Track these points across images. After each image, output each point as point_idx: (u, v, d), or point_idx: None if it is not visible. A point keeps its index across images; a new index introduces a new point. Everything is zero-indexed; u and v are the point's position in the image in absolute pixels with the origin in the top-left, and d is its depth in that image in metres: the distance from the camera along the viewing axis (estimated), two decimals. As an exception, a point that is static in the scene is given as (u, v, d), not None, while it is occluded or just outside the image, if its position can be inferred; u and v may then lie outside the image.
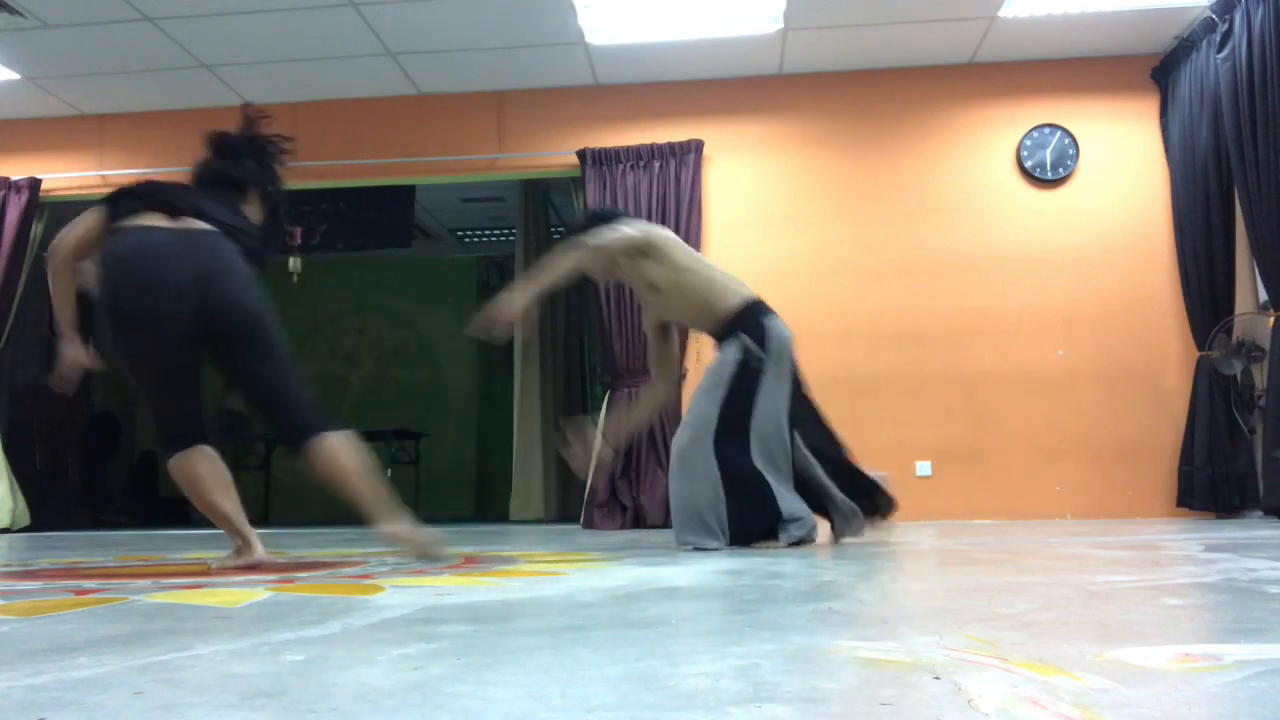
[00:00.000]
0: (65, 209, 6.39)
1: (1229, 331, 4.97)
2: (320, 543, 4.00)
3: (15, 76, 5.66)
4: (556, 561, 2.66)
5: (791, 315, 5.58)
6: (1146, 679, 0.92)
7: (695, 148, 5.63)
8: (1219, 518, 4.92)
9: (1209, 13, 4.91)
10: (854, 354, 5.50)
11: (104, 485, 8.35)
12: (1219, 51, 4.77)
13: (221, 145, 2.76)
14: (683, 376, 5.53)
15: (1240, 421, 4.92)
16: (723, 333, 3.36)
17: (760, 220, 5.67)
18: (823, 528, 3.33)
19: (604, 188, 5.65)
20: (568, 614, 1.50)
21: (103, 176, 6.15)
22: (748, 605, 1.58)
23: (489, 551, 3.18)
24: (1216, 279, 5.07)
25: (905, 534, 3.90)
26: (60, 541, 4.56)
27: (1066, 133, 5.54)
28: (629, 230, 3.27)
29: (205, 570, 2.50)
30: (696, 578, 2.14)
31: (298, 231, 6.31)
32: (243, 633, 1.32)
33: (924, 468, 5.36)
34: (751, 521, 3.04)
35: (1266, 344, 4.65)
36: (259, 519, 8.01)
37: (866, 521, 3.31)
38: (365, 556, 2.97)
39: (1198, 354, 5.12)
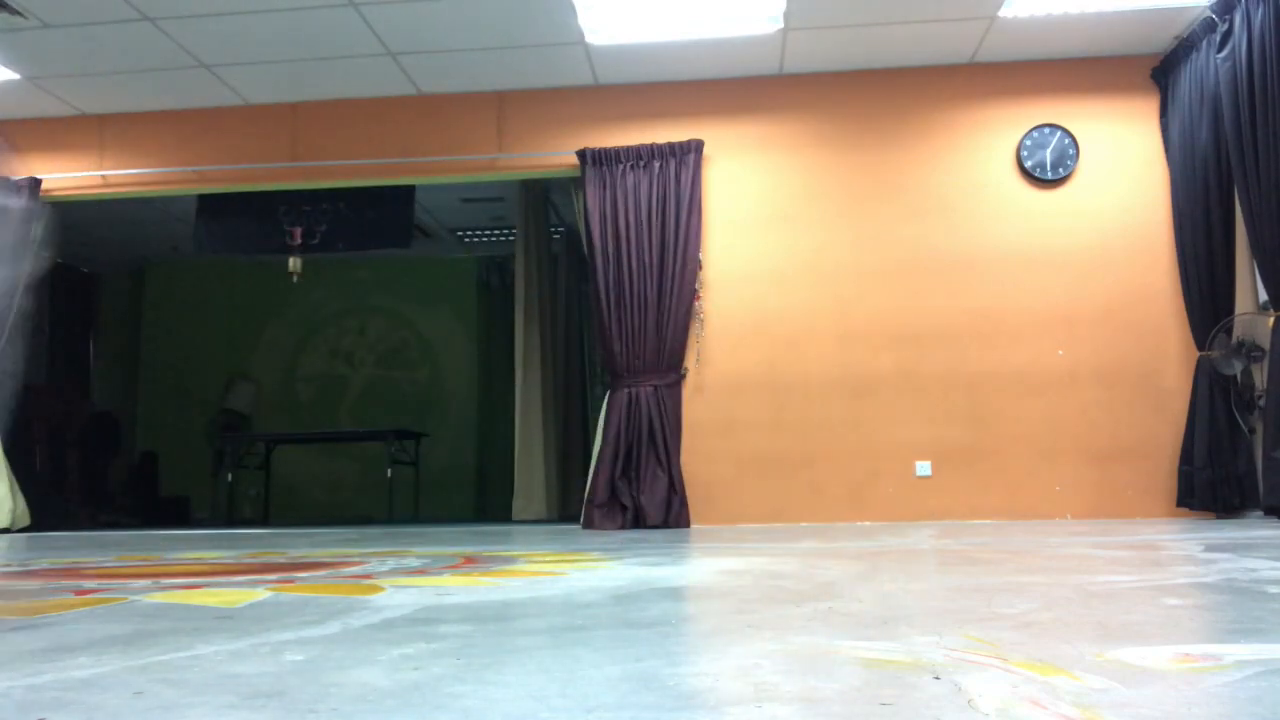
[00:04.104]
0: (65, 209, 6.41)
1: (1229, 331, 4.97)
2: (320, 543, 4.00)
3: (15, 76, 5.66)
4: (556, 561, 2.66)
5: (791, 315, 5.61)
6: (1146, 679, 0.92)
7: (695, 148, 5.63)
8: (1219, 518, 4.92)
9: (1209, 13, 4.91)
10: (854, 354, 5.50)
11: (104, 485, 8.35)
12: (1219, 51, 4.77)
13: None
14: (683, 376, 5.53)
15: (1240, 421, 4.92)
16: None
17: (760, 220, 5.68)
18: None
19: (604, 188, 5.65)
20: (568, 614, 1.50)
21: (103, 176, 6.15)
22: (748, 605, 1.58)
23: (489, 551, 3.17)
24: (1216, 279, 5.07)
25: (905, 534, 3.90)
26: (60, 541, 4.56)
27: (1066, 133, 5.54)
28: None
29: (205, 570, 2.50)
30: (696, 578, 2.14)
31: (298, 231, 6.31)
32: (243, 633, 1.32)
33: (924, 468, 5.37)
34: None
35: (1266, 344, 4.65)
36: (259, 519, 8.03)
37: None
38: (365, 556, 2.97)
39: (1198, 354, 5.12)
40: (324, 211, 6.38)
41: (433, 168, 5.96)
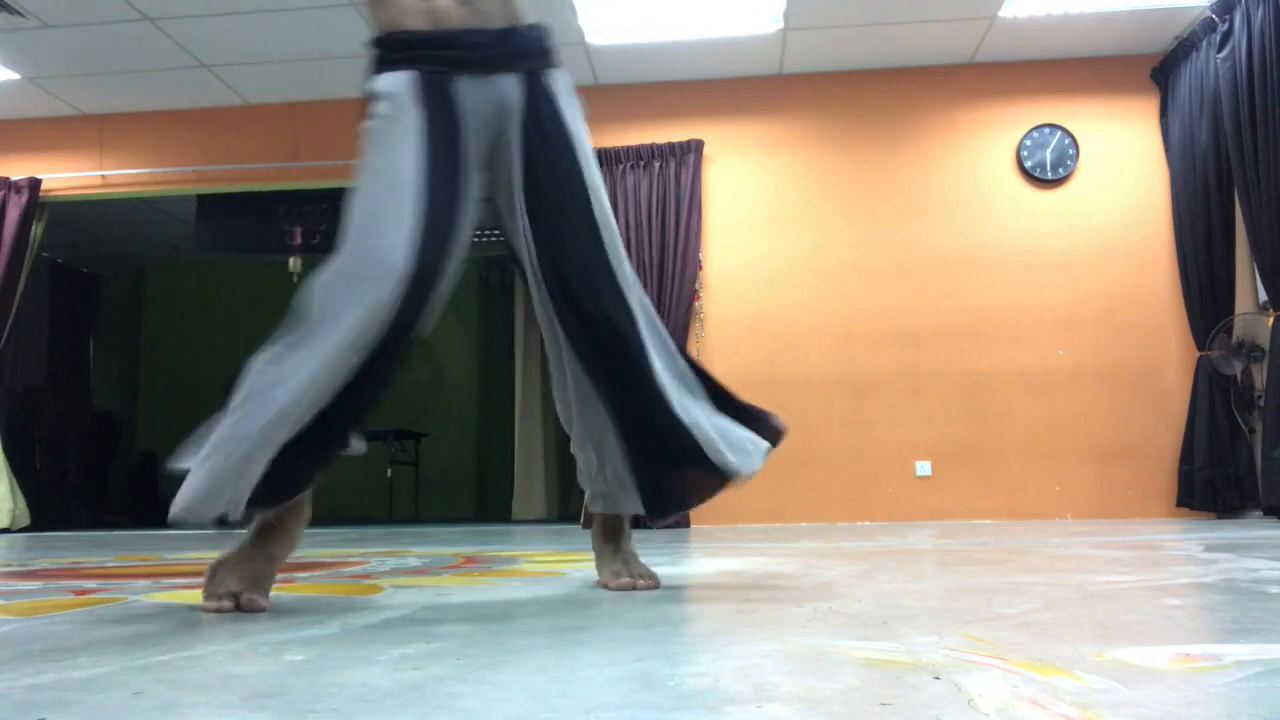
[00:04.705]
0: (65, 209, 6.41)
1: (1229, 331, 4.97)
2: (320, 543, 4.00)
3: (15, 76, 5.66)
4: (556, 561, 2.66)
5: (791, 315, 5.62)
6: (1146, 679, 0.92)
7: (695, 148, 5.63)
8: (1219, 518, 4.92)
9: (1209, 13, 4.91)
10: (854, 354, 5.50)
11: (104, 485, 8.35)
12: (1219, 51, 4.77)
13: None
14: (683, 376, 5.53)
15: (1240, 421, 4.92)
16: None
17: (760, 220, 5.68)
18: None
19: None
20: (568, 614, 1.50)
21: (103, 176, 6.15)
22: (748, 605, 1.58)
23: (489, 551, 3.18)
24: (1216, 279, 5.07)
25: (905, 534, 3.90)
26: (60, 541, 4.56)
27: (1066, 133, 5.54)
28: None
29: (205, 570, 2.50)
30: (696, 578, 2.15)
31: (298, 231, 6.31)
32: (243, 633, 1.32)
33: (924, 468, 5.37)
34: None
35: (1266, 344, 4.65)
36: (259, 519, 8.03)
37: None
38: (365, 556, 2.97)
39: (1198, 354, 5.12)
40: (324, 211, 6.38)
41: (433, 168, 5.96)
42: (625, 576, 1.84)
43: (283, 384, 1.48)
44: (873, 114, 5.73)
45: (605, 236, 1.70)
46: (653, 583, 1.85)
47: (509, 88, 1.69)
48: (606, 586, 1.87)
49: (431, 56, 1.66)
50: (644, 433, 1.72)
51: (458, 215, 1.66)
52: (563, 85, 1.76)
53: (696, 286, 5.54)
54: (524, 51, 1.72)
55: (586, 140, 1.76)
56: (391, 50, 1.69)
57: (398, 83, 1.65)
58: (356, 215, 1.60)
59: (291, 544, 1.68)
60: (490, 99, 1.67)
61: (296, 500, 1.61)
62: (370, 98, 1.70)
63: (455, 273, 1.67)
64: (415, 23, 1.67)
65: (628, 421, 1.72)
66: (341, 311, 1.49)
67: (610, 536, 1.92)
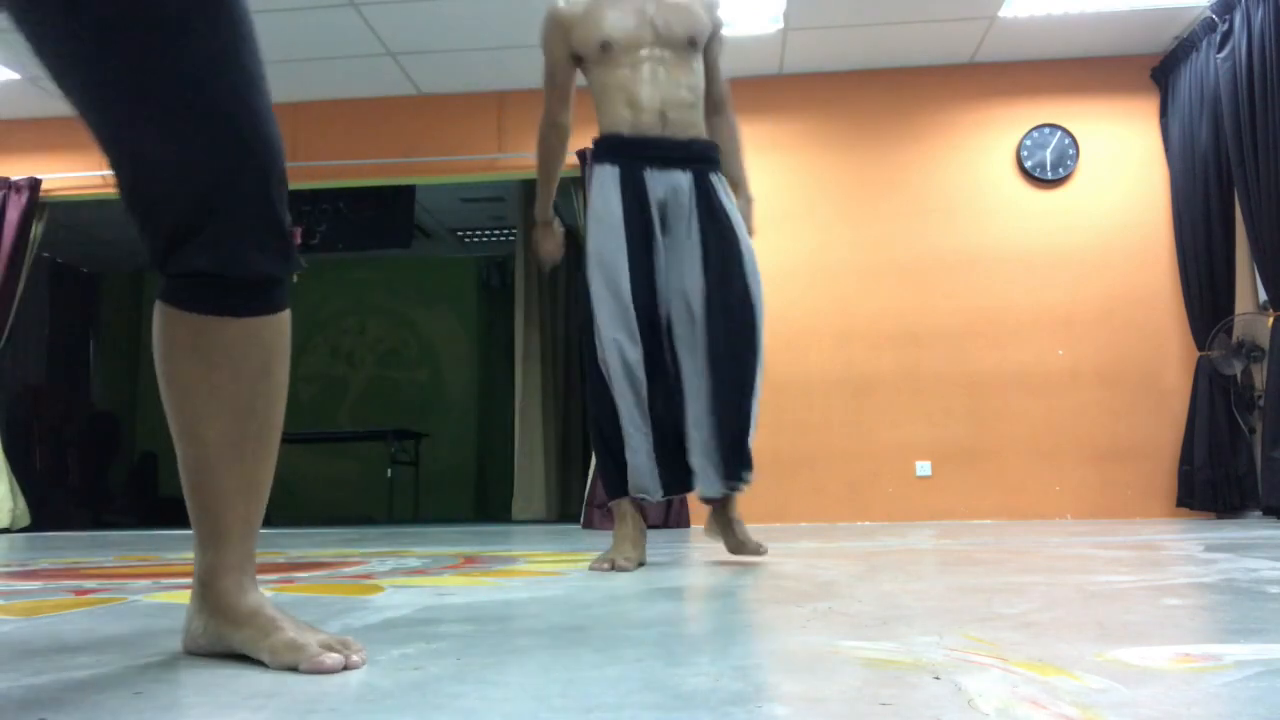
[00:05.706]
0: (65, 209, 6.41)
1: (1229, 331, 4.97)
2: (320, 543, 4.00)
3: (15, 76, 5.66)
4: (556, 561, 2.66)
5: (792, 315, 5.61)
6: (1146, 679, 0.92)
7: (695, 148, 5.62)
8: (1219, 518, 4.92)
9: (1209, 13, 4.91)
10: (854, 354, 5.50)
11: (104, 485, 8.35)
12: (1219, 51, 4.77)
13: None
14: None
15: (1240, 421, 4.92)
16: None
17: (760, 220, 5.65)
18: None
19: (604, 188, 5.64)
20: (568, 614, 1.50)
21: (103, 177, 6.15)
22: (748, 605, 1.58)
23: (489, 551, 3.18)
24: (1216, 279, 5.07)
25: (905, 534, 3.90)
26: (60, 541, 4.56)
27: (1066, 133, 5.54)
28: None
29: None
30: (697, 578, 2.15)
31: (298, 231, 6.28)
32: (243, 633, 1.32)
33: (924, 468, 5.37)
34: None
35: (1266, 344, 4.65)
36: (259, 519, 8.02)
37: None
38: (365, 556, 2.97)
39: (1198, 354, 5.12)
40: (324, 211, 6.38)
41: (433, 168, 5.96)
42: (746, 549, 2.48)
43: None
44: (873, 114, 5.73)
45: (753, 287, 2.46)
46: (761, 548, 2.49)
47: (681, 179, 2.47)
48: (732, 552, 2.53)
49: (631, 154, 2.46)
50: (733, 418, 2.38)
51: (654, 270, 2.43)
52: (720, 182, 2.55)
53: (696, 286, 5.53)
54: (695, 156, 2.52)
55: (740, 218, 2.56)
56: (605, 149, 2.50)
57: (607, 175, 2.46)
58: (595, 283, 2.41)
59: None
60: (667, 184, 2.45)
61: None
62: (592, 183, 2.50)
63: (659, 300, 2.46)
64: (624, 129, 2.46)
65: (727, 406, 2.38)
66: (612, 354, 2.37)
67: (719, 513, 2.54)
